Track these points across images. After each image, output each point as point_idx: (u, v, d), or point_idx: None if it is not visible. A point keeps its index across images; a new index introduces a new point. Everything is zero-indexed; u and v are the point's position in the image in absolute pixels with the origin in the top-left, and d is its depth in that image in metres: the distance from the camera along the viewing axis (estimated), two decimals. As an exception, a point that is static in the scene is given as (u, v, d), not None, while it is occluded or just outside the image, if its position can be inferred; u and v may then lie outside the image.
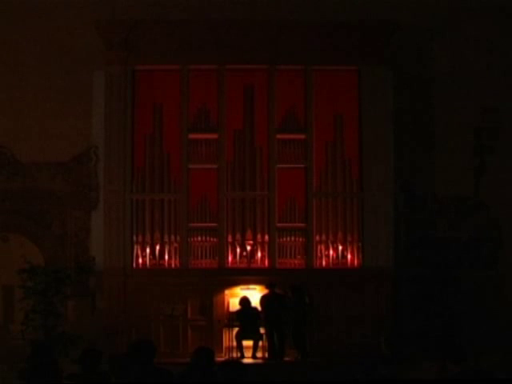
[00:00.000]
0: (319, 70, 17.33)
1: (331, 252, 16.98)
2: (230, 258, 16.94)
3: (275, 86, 17.26)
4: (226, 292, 16.89)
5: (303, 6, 17.45)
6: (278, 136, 17.25)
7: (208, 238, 16.99)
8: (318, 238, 17.01)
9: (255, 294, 16.68)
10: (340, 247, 16.98)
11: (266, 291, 16.46)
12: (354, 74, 17.33)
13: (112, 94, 17.01)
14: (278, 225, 17.03)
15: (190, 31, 17.05)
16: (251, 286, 16.91)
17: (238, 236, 16.97)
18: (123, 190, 16.87)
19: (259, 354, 16.24)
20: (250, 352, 16.15)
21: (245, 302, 16.38)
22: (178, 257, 16.88)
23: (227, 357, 15.96)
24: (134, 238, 16.86)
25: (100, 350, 8.95)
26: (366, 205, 17.07)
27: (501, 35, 18.03)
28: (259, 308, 16.36)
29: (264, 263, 16.96)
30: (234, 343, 16.29)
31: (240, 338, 16.22)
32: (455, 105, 17.98)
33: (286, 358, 16.08)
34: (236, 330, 16.33)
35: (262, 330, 16.28)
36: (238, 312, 16.40)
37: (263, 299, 16.36)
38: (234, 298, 16.78)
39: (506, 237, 17.97)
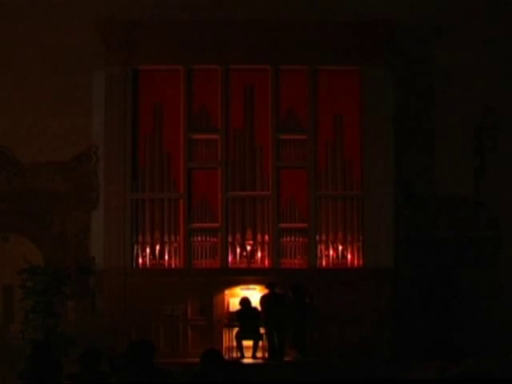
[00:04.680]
0: (320, 70, 17.34)
1: (331, 252, 16.98)
2: (230, 258, 16.94)
3: (276, 86, 17.26)
4: (226, 292, 16.89)
5: (304, 6, 17.44)
6: (279, 136, 17.25)
7: (208, 238, 16.99)
8: (318, 238, 17.01)
9: (255, 294, 16.68)
10: (340, 247, 16.99)
11: (266, 291, 16.46)
12: (355, 74, 17.33)
13: (112, 94, 17.02)
14: (279, 225, 17.02)
15: (190, 31, 17.06)
16: (251, 286, 16.91)
17: (238, 236, 16.97)
18: (123, 190, 16.87)
19: (259, 354, 16.24)
20: (250, 352, 16.15)
21: (245, 302, 16.38)
22: (177, 257, 16.88)
23: (227, 357, 15.94)
24: (134, 237, 16.86)
25: (100, 349, 8.95)
26: (366, 205, 17.07)
27: (501, 35, 18.02)
28: (259, 308, 16.36)
29: (264, 263, 16.96)
30: (234, 343, 16.29)
31: (240, 338, 16.23)
32: (455, 105, 17.99)
33: (286, 358, 16.08)
34: (236, 329, 16.33)
35: (262, 330, 16.28)
36: (237, 312, 16.39)
37: (263, 299, 16.36)
38: (234, 298, 16.78)
39: (506, 237, 17.96)
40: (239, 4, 17.37)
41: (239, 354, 16.16)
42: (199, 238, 16.99)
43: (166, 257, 16.89)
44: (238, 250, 16.94)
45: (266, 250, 16.96)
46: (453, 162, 17.99)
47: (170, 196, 17.11)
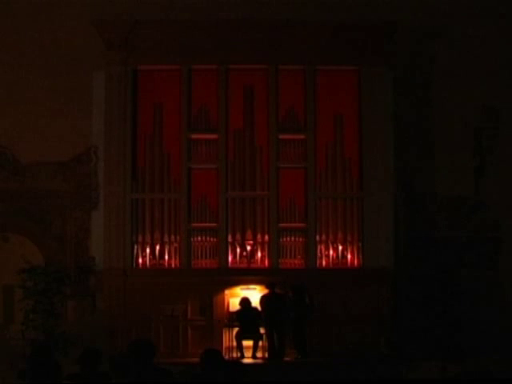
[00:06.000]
0: (319, 70, 17.34)
1: (331, 252, 16.98)
2: (230, 258, 16.94)
3: (275, 86, 17.26)
4: (226, 292, 16.89)
5: (303, 6, 17.45)
6: (279, 136, 17.25)
7: (208, 238, 16.99)
8: (318, 237, 17.01)
9: (255, 294, 16.68)
10: (340, 247, 16.98)
11: (265, 291, 16.46)
12: (354, 74, 17.33)
13: (112, 94, 17.01)
14: (278, 225, 17.02)
15: (190, 31, 17.06)
16: (251, 286, 16.91)
17: (238, 236, 16.97)
18: (123, 190, 16.87)
19: (259, 354, 16.24)
20: (250, 352, 16.15)
21: (245, 302, 16.38)
22: (177, 257, 16.88)
23: (227, 357, 15.95)
24: (134, 237, 16.85)
25: (100, 349, 8.95)
26: (365, 205, 17.07)
27: (501, 35, 18.02)
28: (259, 308, 16.37)
29: (264, 263, 16.95)
30: (234, 343, 16.30)
31: (240, 338, 16.23)
32: (455, 105, 17.99)
33: (286, 358, 16.08)
34: (236, 329, 16.33)
35: (262, 330, 16.28)
36: (237, 312, 16.40)
37: (263, 299, 16.36)
38: (234, 298, 16.78)
39: (506, 237, 17.97)
40: (239, 4, 17.37)
41: (239, 354, 16.16)
42: (199, 238, 16.99)
43: (166, 257, 16.89)
44: (238, 250, 16.94)
45: (266, 249, 16.96)
46: (453, 162, 17.99)
47: (170, 196, 17.11)
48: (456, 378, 7.79)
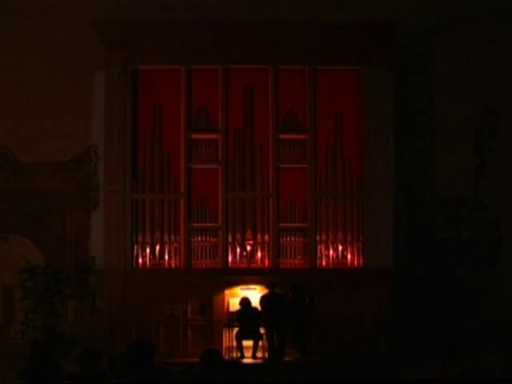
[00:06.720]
0: (320, 70, 17.34)
1: (331, 252, 16.98)
2: (230, 258, 16.94)
3: (275, 86, 17.26)
4: (226, 292, 16.89)
5: (304, 6, 17.44)
6: (279, 136, 17.25)
7: (208, 238, 16.99)
8: (318, 237, 17.01)
9: (255, 294, 16.68)
10: (340, 247, 16.98)
11: (265, 291, 16.46)
12: (355, 74, 17.34)
13: (112, 94, 17.02)
14: (279, 225, 17.02)
15: (190, 31, 17.06)
16: (251, 286, 16.91)
17: (238, 236, 16.97)
18: (123, 190, 16.87)
19: (259, 354, 16.24)
20: (250, 352, 16.15)
21: (245, 302, 16.39)
22: (177, 257, 16.88)
23: (227, 357, 15.94)
24: (134, 238, 16.85)
25: (100, 349, 8.95)
26: (366, 205, 17.07)
27: (501, 35, 18.02)
28: (259, 308, 16.37)
29: (264, 263, 16.96)
30: (234, 343, 16.29)
31: (240, 338, 16.23)
32: (455, 105, 17.98)
33: (286, 358, 16.07)
34: (236, 329, 16.33)
35: (262, 330, 16.28)
36: (237, 312, 16.40)
37: (263, 299, 16.36)
38: (234, 298, 16.78)
39: (506, 237, 17.96)
40: (239, 4, 17.36)
41: (239, 354, 16.16)
42: (199, 238, 16.99)
43: (166, 257, 16.89)
44: (238, 250, 16.94)
45: (266, 249, 16.96)
46: (453, 162, 17.99)
47: (169, 196, 17.11)
48: (456, 378, 7.80)
